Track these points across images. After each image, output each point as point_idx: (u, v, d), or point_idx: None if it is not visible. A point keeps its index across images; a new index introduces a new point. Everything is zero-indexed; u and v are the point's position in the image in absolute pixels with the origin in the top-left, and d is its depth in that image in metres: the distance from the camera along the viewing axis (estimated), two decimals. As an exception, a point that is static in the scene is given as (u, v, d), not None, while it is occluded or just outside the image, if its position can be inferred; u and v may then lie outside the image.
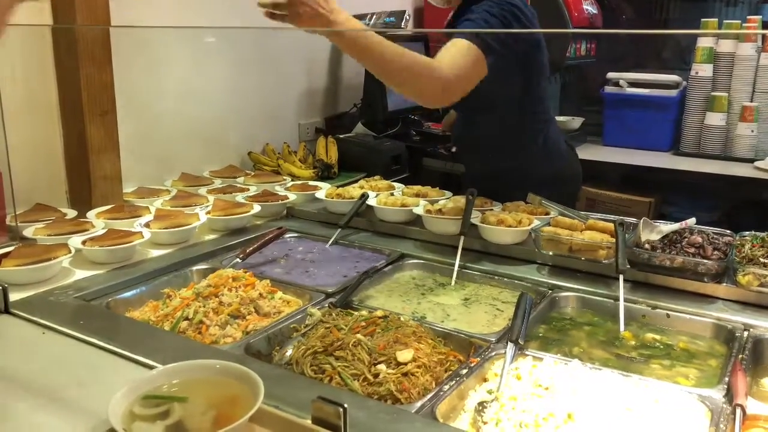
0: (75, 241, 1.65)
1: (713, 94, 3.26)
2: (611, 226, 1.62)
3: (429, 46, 3.36)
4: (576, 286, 1.53)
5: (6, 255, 1.52)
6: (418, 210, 1.88)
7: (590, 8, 3.65)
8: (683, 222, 1.66)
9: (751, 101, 3.18)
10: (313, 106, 3.16)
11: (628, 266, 1.46)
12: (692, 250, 1.53)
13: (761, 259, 1.45)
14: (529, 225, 1.71)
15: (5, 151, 1.69)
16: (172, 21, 2.37)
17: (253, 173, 2.54)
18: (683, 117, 3.41)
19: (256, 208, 2.00)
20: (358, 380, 1.15)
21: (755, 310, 1.40)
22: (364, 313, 1.36)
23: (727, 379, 1.11)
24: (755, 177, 2.99)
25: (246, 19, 2.65)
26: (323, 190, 2.16)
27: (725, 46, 3.24)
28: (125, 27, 2.06)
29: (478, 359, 1.21)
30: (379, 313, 1.35)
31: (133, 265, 1.66)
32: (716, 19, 3.25)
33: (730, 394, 1.06)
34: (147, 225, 1.82)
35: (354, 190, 2.08)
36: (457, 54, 1.71)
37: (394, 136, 2.98)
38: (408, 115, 3.17)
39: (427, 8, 3.69)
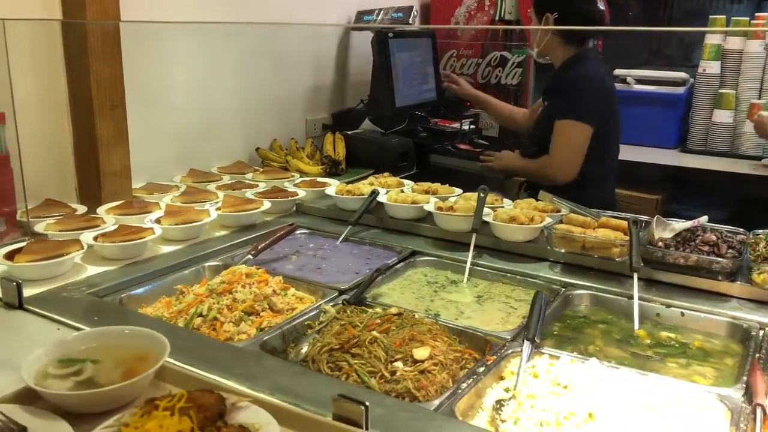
0: (87, 237, 1.65)
1: (721, 91, 3.25)
2: (624, 223, 1.61)
3: (436, 42, 3.36)
4: (589, 284, 1.53)
5: (18, 251, 1.51)
6: (429, 207, 1.88)
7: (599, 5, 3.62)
8: (696, 220, 1.65)
9: (759, 98, 3.17)
10: (320, 102, 3.15)
11: (642, 264, 1.46)
12: (706, 248, 1.52)
13: (776, 258, 1.45)
14: (541, 222, 1.71)
15: (17, 148, 1.68)
16: (181, 16, 2.37)
17: (261, 169, 2.53)
18: (690, 114, 3.40)
19: (266, 204, 1.99)
20: (375, 378, 1.15)
21: (771, 308, 1.40)
22: (379, 310, 1.36)
23: (745, 378, 1.11)
24: (763, 174, 2.98)
25: (253, 14, 2.65)
26: (333, 186, 2.16)
27: (733, 43, 3.23)
28: (135, 22, 2.05)
29: (495, 357, 1.21)
30: (393, 310, 1.35)
31: (145, 261, 1.66)
32: (724, 17, 3.23)
33: (749, 394, 1.06)
34: (158, 221, 1.82)
35: (364, 187, 2.08)
36: (564, 145, 2.27)
37: (401, 132, 2.97)
38: (415, 111, 3.16)
39: (433, 4, 3.67)
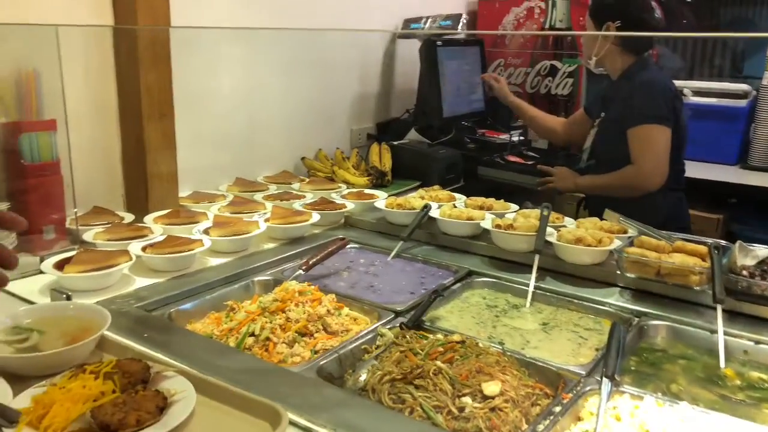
0: (135, 248, 1.60)
1: (787, 105, 3.08)
2: (701, 248, 1.50)
3: (484, 50, 3.27)
4: (665, 314, 1.42)
5: (68, 260, 1.48)
6: (486, 224, 1.79)
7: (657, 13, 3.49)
8: (781, 246, 1.53)
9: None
10: (365, 112, 3.09)
11: (726, 295, 1.34)
12: (796, 278, 1.40)
13: None
14: (609, 244, 1.60)
15: (68, 156, 1.65)
16: (226, 22, 2.33)
17: (307, 180, 2.48)
18: (752, 128, 3.23)
19: (315, 216, 1.93)
20: (442, 413, 1.06)
21: None
22: (440, 336, 1.28)
23: None
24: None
25: (299, 20, 2.60)
26: (382, 199, 2.08)
27: (801, 54, 3.06)
28: (185, 27, 2.02)
29: (571, 395, 1.11)
30: (456, 337, 1.26)
31: (193, 274, 1.61)
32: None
33: None
34: (206, 232, 1.77)
35: (415, 201, 2.00)
36: (651, 149, 2.17)
37: (448, 143, 2.88)
38: (462, 122, 3.07)
39: (480, 12, 3.59)
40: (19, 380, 1.01)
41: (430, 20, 2.99)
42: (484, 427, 1.02)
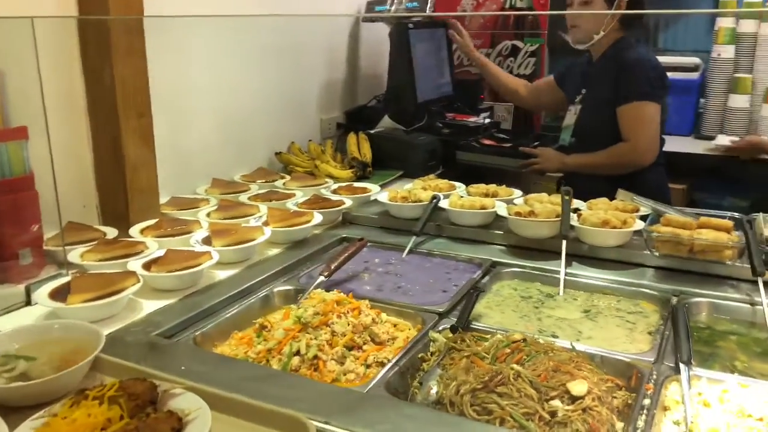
0: (135, 267, 1.44)
1: (736, 75, 3.21)
2: (727, 223, 1.51)
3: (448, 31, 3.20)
4: (703, 291, 1.42)
5: (65, 288, 1.29)
6: (502, 212, 1.74)
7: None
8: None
9: (775, 82, 3.15)
10: (333, 100, 2.96)
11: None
12: (821, 246, 1.43)
13: None
14: (633, 225, 1.59)
15: (50, 165, 1.45)
16: (192, 9, 2.13)
17: (288, 176, 2.34)
18: (705, 100, 3.36)
19: (318, 217, 1.81)
20: (533, 420, 1.00)
21: None
22: (500, 336, 1.22)
23: None
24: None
25: (264, 7, 2.43)
26: (383, 193, 1.99)
27: (746, 26, 3.20)
28: (159, 17, 1.82)
29: (652, 385, 1.08)
30: (517, 335, 1.20)
31: (204, 291, 1.46)
32: (734, -1, 3.20)
33: None
34: (207, 242, 1.61)
35: (420, 193, 1.92)
36: (645, 126, 2.22)
37: (422, 129, 2.81)
38: (432, 106, 3.00)
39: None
40: (12, 412, 0.94)
41: (395, 2, 2.89)
42: (584, 431, 0.97)
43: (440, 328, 1.29)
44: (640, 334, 1.31)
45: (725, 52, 3.23)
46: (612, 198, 1.81)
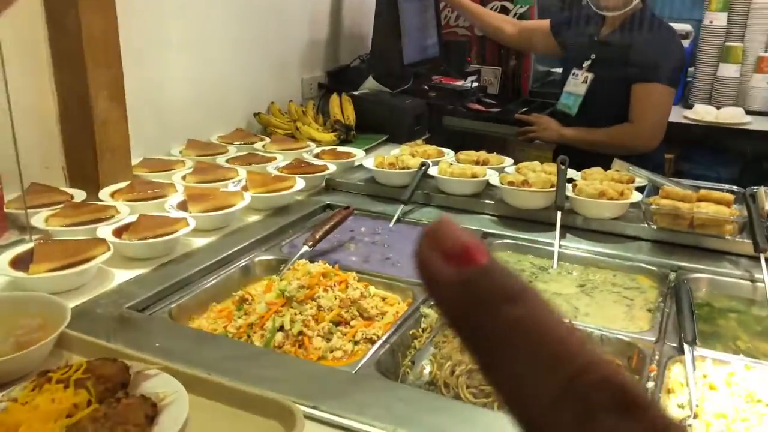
0: (105, 233, 1.33)
1: (727, 44, 3.16)
2: (728, 196, 1.46)
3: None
4: (702, 267, 1.38)
5: (28, 256, 1.19)
6: (494, 181, 1.66)
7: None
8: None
9: (766, 51, 3.10)
10: (315, 59, 2.83)
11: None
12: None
13: None
14: (631, 196, 1.53)
15: (9, 120, 1.32)
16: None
17: (267, 138, 2.22)
18: (694, 69, 3.30)
19: (300, 183, 1.72)
20: (533, 404, 0.94)
21: None
22: (495, 313, 1.15)
23: None
24: (772, 129, 2.93)
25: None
26: (370, 158, 1.90)
27: (740, -7, 3.13)
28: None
29: (655, 367, 1.04)
30: (513, 312, 1.14)
31: (180, 260, 1.37)
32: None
33: None
34: (182, 207, 1.51)
35: (408, 159, 1.83)
36: (656, 110, 2.11)
37: (408, 92, 2.70)
38: (418, 68, 2.88)
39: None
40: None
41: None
42: (587, 416, 0.92)
43: (428, 304, 1.22)
44: (639, 310, 1.26)
45: (717, 19, 3.16)
46: (606, 168, 1.74)
